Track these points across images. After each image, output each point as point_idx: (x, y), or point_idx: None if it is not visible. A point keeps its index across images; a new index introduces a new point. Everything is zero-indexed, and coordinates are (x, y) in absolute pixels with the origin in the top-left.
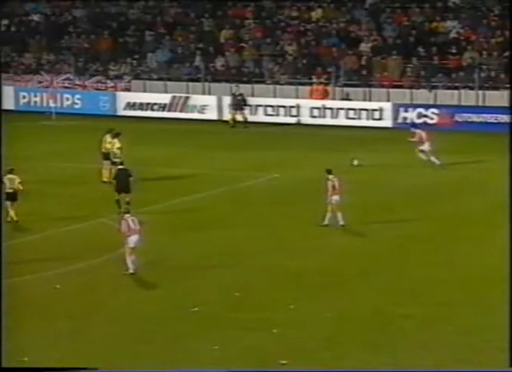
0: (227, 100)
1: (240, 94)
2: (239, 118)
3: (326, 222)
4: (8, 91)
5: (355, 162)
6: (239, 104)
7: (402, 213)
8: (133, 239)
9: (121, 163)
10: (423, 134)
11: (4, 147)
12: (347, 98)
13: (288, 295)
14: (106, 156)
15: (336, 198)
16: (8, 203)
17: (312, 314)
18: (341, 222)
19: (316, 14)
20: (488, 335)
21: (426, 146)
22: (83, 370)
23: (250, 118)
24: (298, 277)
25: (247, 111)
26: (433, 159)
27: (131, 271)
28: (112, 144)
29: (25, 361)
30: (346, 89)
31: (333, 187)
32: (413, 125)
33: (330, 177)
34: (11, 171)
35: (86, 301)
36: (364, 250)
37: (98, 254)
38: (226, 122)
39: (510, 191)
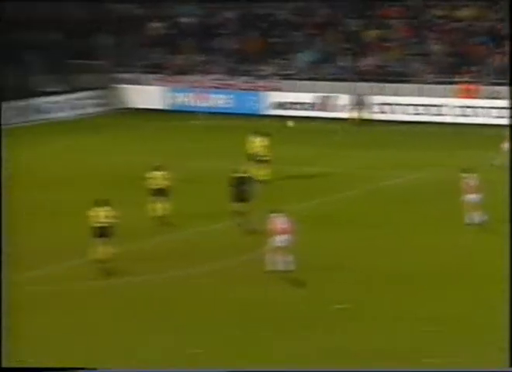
0: (373, 99)
1: (359, 94)
2: (356, 116)
3: (467, 220)
4: (160, 91)
5: (496, 161)
6: (359, 103)
7: None
8: (281, 239)
9: (238, 171)
10: None
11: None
12: (495, 97)
13: (429, 291)
14: (253, 156)
15: (472, 196)
16: (157, 199)
17: (454, 313)
18: (481, 220)
19: (464, 12)
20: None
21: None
22: (81, 370)
23: (393, 118)
24: (437, 275)
25: (363, 110)
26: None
27: (279, 268)
28: (259, 144)
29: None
30: (495, 88)
31: (470, 186)
32: None
33: (466, 175)
34: (158, 168)
35: (222, 298)
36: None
37: (239, 253)
38: (364, 120)
39: (510, 191)
